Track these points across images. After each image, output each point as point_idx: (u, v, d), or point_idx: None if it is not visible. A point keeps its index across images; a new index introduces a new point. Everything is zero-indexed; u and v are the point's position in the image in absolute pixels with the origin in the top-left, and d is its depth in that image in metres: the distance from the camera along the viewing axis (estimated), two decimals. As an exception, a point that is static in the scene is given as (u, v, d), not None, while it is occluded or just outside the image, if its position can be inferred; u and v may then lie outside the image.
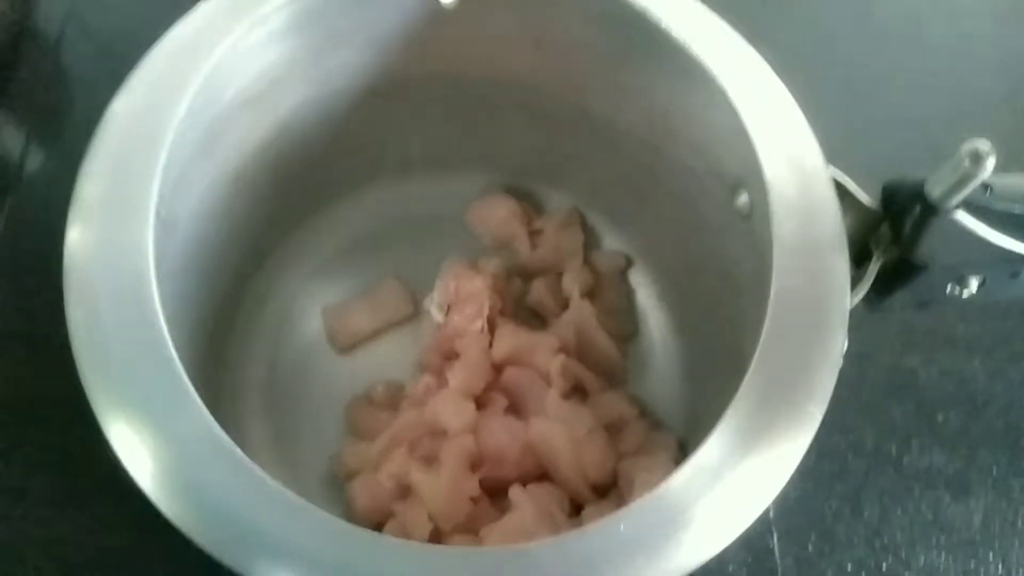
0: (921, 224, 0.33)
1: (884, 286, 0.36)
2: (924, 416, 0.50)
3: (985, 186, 0.33)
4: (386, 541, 0.30)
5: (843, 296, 0.33)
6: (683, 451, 0.45)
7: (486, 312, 0.47)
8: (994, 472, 0.49)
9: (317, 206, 0.49)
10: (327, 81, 0.43)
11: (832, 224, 0.34)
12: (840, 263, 0.33)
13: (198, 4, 0.37)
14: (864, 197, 0.36)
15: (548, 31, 0.42)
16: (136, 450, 0.29)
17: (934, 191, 0.33)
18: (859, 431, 0.49)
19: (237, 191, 0.43)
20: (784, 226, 0.33)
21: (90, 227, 0.33)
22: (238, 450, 0.29)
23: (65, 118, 0.55)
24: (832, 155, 0.37)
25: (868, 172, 0.37)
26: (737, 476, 0.30)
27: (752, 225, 0.40)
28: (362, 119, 0.46)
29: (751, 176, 0.37)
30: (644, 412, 0.47)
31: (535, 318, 0.51)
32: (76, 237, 0.33)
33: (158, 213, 0.34)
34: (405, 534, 0.41)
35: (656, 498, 0.30)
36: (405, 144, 0.49)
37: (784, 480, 0.30)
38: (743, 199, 0.40)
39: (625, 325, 0.51)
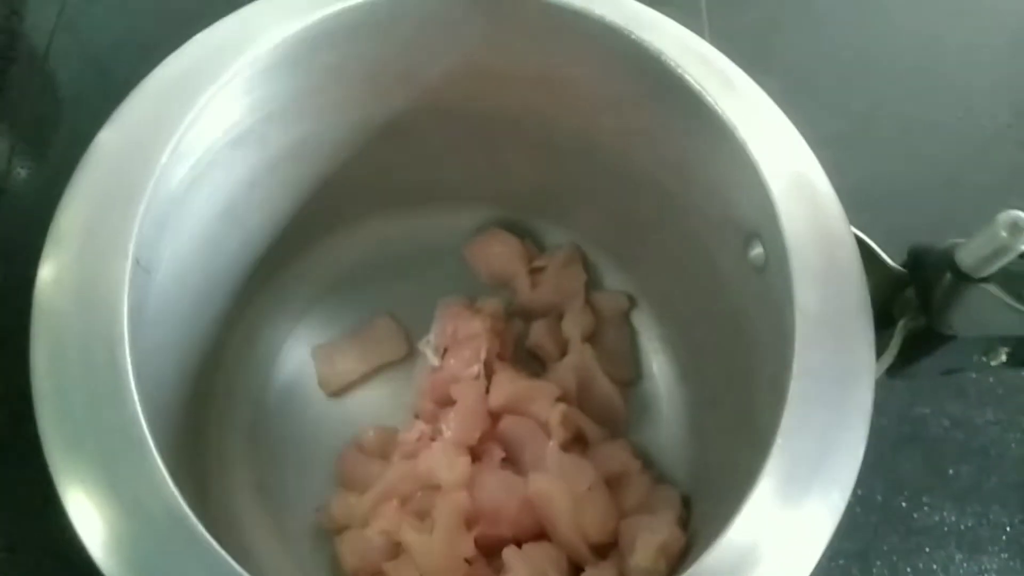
0: (951, 293, 0.31)
1: (908, 354, 0.34)
2: (934, 469, 0.48)
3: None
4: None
5: (869, 374, 0.31)
6: (687, 506, 0.43)
7: (483, 356, 0.45)
8: (1008, 529, 0.47)
9: (308, 242, 0.47)
10: (320, 117, 0.41)
11: (857, 289, 0.32)
12: (865, 334, 0.31)
13: (189, 40, 0.35)
14: (887, 260, 0.34)
15: (556, 68, 0.40)
16: (91, 518, 0.27)
17: (966, 260, 0.31)
18: (867, 485, 0.48)
19: (224, 230, 0.40)
20: (806, 291, 0.32)
21: (64, 266, 0.32)
22: (204, 532, 0.27)
23: (52, 131, 0.53)
24: (853, 212, 0.35)
25: (890, 231, 0.35)
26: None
27: (766, 279, 0.38)
28: (357, 154, 0.44)
29: (768, 229, 0.36)
30: (647, 464, 0.45)
31: (534, 361, 0.49)
32: (49, 274, 0.31)
33: (137, 260, 0.32)
34: (396, 599, 0.39)
35: None
36: (401, 179, 0.47)
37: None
38: (757, 251, 0.38)
39: (627, 369, 0.49)
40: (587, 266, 0.50)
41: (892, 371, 0.34)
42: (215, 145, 0.37)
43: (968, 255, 0.30)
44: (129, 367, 0.29)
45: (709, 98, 0.35)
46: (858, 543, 0.46)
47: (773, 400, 0.35)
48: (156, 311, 0.36)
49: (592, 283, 0.50)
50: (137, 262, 0.33)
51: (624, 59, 0.37)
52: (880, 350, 0.33)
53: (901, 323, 0.33)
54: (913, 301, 0.33)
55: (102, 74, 0.55)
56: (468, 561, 0.40)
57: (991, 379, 0.51)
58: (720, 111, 0.35)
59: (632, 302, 0.50)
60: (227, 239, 0.42)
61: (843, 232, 0.33)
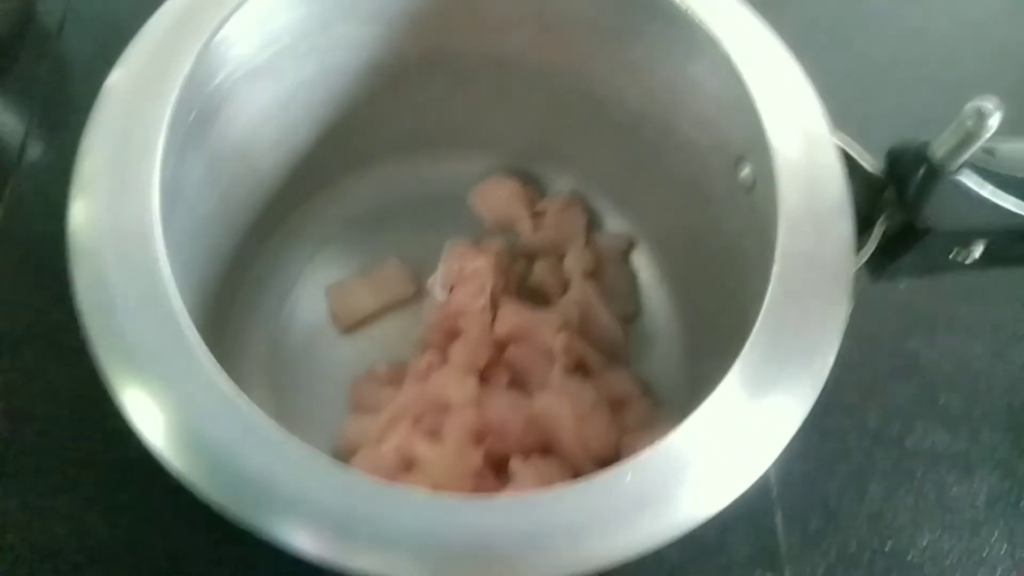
0: (925, 186, 0.33)
1: (888, 252, 0.36)
2: (926, 397, 0.50)
3: (989, 150, 0.33)
4: (399, 491, 0.29)
5: (848, 258, 0.33)
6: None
7: (489, 290, 0.47)
8: (997, 453, 0.49)
9: (319, 184, 0.49)
10: (332, 54, 0.43)
11: (837, 190, 0.34)
12: (845, 227, 0.33)
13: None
14: (869, 163, 0.36)
15: (551, 8, 0.43)
16: (147, 411, 0.29)
17: (938, 152, 0.33)
18: (861, 412, 0.49)
19: (238, 165, 0.43)
20: (789, 193, 0.34)
21: (94, 197, 0.33)
22: (254, 406, 0.29)
23: (66, 107, 0.55)
24: (837, 121, 0.37)
25: (872, 139, 0.37)
26: (742, 430, 0.30)
27: (754, 198, 0.40)
28: (366, 96, 0.46)
29: (755, 147, 0.38)
30: (646, 391, 0.47)
31: (537, 299, 0.51)
32: (80, 209, 0.33)
33: (163, 182, 0.34)
34: (408, 506, 0.41)
35: (662, 451, 0.30)
36: (409, 123, 0.49)
37: (789, 435, 0.30)
38: (746, 171, 0.40)
39: (628, 306, 0.51)
40: (588, 211, 0.52)
41: (874, 269, 0.36)
42: (229, 78, 0.39)
43: (939, 147, 0.32)
44: (170, 278, 0.31)
45: (696, 16, 0.37)
46: (853, 466, 0.48)
47: (760, 306, 0.37)
48: (175, 245, 0.38)
49: (593, 227, 0.52)
50: (163, 184, 0.35)
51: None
52: (862, 250, 0.35)
53: (880, 219, 0.35)
54: (892, 200, 0.35)
55: (114, 49, 0.57)
56: (477, 473, 0.41)
57: (980, 311, 0.52)
58: (707, 28, 0.37)
59: (631, 244, 0.52)
60: (240, 177, 0.44)
61: (826, 138, 0.36)
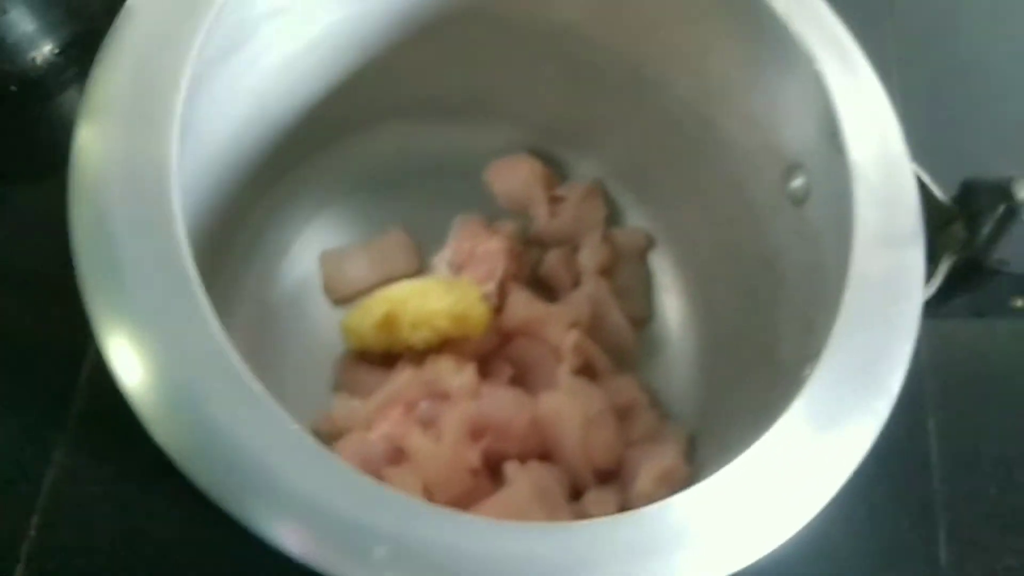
0: (1002, 226, 0.31)
1: (946, 290, 0.33)
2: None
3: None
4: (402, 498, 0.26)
5: (918, 289, 0.30)
6: (692, 446, 0.42)
7: (499, 275, 0.44)
8: None
9: (331, 138, 0.45)
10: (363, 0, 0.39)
11: (913, 215, 0.32)
12: (917, 256, 0.31)
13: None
14: (937, 192, 0.34)
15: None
16: (133, 361, 0.26)
17: (1021, 191, 0.30)
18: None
19: (252, 107, 0.39)
20: (867, 213, 0.31)
21: (106, 124, 0.30)
22: (257, 383, 0.26)
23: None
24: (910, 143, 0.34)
25: (942, 168, 0.35)
26: (807, 465, 0.28)
27: (804, 212, 0.37)
28: (393, 49, 0.42)
29: (817, 158, 0.35)
30: (654, 401, 0.44)
31: (543, 290, 0.47)
32: (89, 134, 0.30)
33: (182, 115, 0.30)
34: (396, 502, 0.37)
35: (666, 506, 0.27)
36: (433, 84, 0.45)
37: (846, 475, 0.28)
38: (799, 182, 0.37)
39: (640, 308, 0.48)
40: (609, 202, 0.49)
41: (926, 307, 0.34)
42: (258, 11, 0.35)
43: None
44: (179, 221, 0.28)
45: (779, 10, 0.34)
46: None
47: (802, 334, 0.35)
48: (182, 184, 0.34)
49: (612, 220, 0.49)
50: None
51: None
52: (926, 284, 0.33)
53: (945, 255, 0.33)
54: (959, 236, 0.33)
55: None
56: (472, 473, 0.39)
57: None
58: (788, 23, 0.34)
59: (651, 242, 0.49)
60: (253, 121, 0.40)
61: (904, 160, 0.33)
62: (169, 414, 0.25)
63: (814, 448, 0.28)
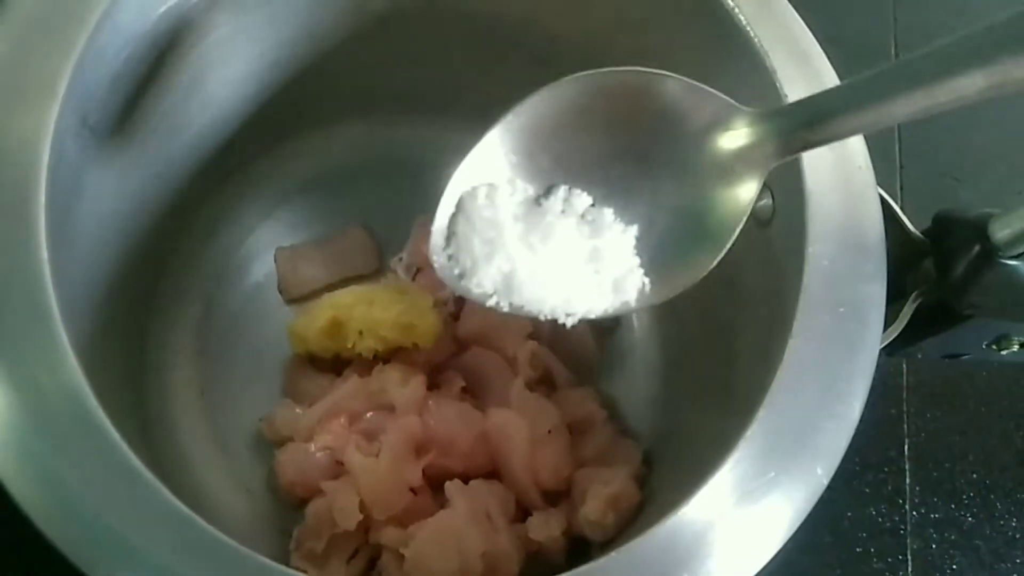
0: (976, 268, 0.28)
1: (914, 330, 0.31)
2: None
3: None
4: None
5: (876, 329, 0.28)
6: (648, 464, 0.41)
7: (456, 281, 0.42)
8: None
9: (283, 134, 0.44)
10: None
11: (875, 253, 0.29)
12: (877, 300, 0.29)
13: None
14: (908, 224, 0.31)
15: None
16: None
17: (998, 232, 0.28)
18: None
19: (191, 105, 0.37)
20: (821, 246, 0.29)
21: None
22: (112, 430, 0.24)
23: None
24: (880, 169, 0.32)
25: (914, 199, 0.32)
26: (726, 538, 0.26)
27: (769, 233, 0.35)
28: (345, 42, 0.40)
29: (783, 178, 0.32)
30: (612, 415, 0.43)
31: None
32: None
33: (85, 119, 0.28)
34: (330, 520, 0.36)
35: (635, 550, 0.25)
36: (391, 78, 0.43)
37: (773, 550, 0.26)
38: (764, 202, 0.35)
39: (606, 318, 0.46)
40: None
41: (890, 347, 0.31)
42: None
43: (1001, 226, 0.28)
44: (44, 243, 0.26)
45: (742, 19, 0.31)
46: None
47: (758, 364, 0.32)
48: (100, 179, 0.32)
49: (578, 224, 0.47)
50: (84, 121, 0.29)
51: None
52: (886, 323, 0.30)
53: (913, 295, 0.30)
54: (930, 273, 0.30)
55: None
56: (413, 491, 0.37)
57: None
58: (752, 34, 0.31)
59: (617, 248, 0.47)
60: (194, 115, 0.38)
61: (870, 189, 0.30)
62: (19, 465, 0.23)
63: (734, 522, 0.26)
